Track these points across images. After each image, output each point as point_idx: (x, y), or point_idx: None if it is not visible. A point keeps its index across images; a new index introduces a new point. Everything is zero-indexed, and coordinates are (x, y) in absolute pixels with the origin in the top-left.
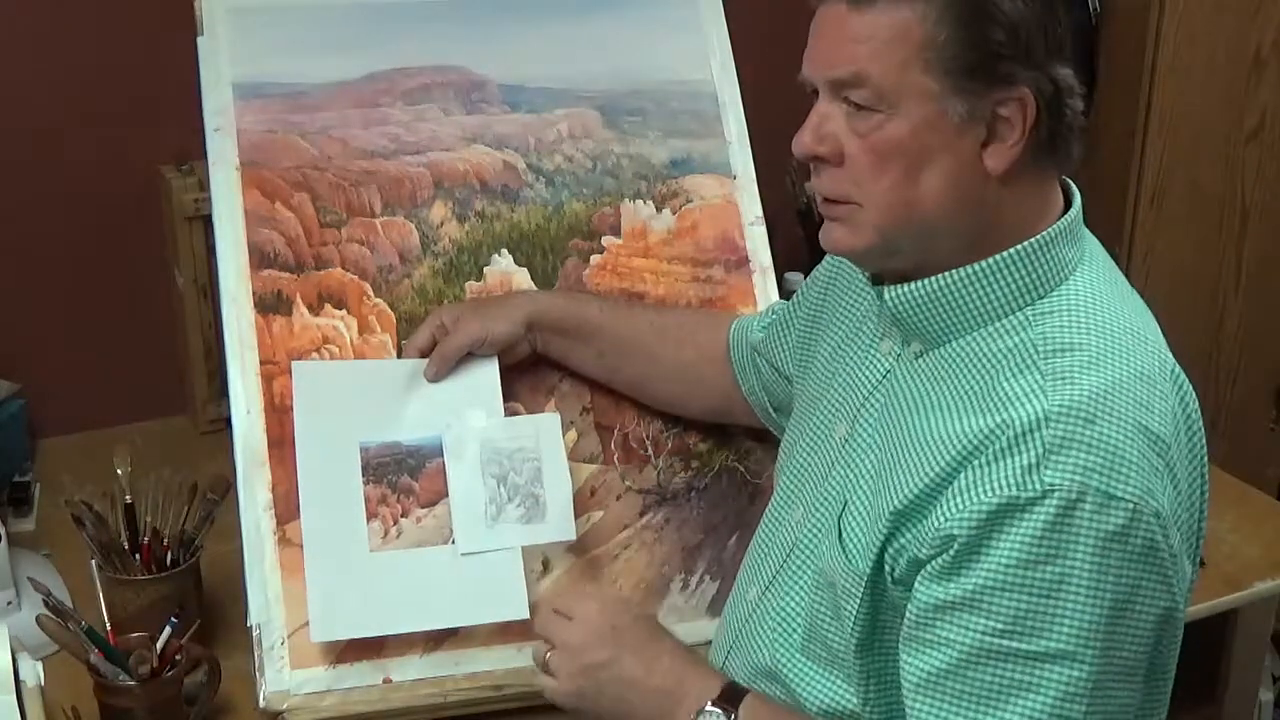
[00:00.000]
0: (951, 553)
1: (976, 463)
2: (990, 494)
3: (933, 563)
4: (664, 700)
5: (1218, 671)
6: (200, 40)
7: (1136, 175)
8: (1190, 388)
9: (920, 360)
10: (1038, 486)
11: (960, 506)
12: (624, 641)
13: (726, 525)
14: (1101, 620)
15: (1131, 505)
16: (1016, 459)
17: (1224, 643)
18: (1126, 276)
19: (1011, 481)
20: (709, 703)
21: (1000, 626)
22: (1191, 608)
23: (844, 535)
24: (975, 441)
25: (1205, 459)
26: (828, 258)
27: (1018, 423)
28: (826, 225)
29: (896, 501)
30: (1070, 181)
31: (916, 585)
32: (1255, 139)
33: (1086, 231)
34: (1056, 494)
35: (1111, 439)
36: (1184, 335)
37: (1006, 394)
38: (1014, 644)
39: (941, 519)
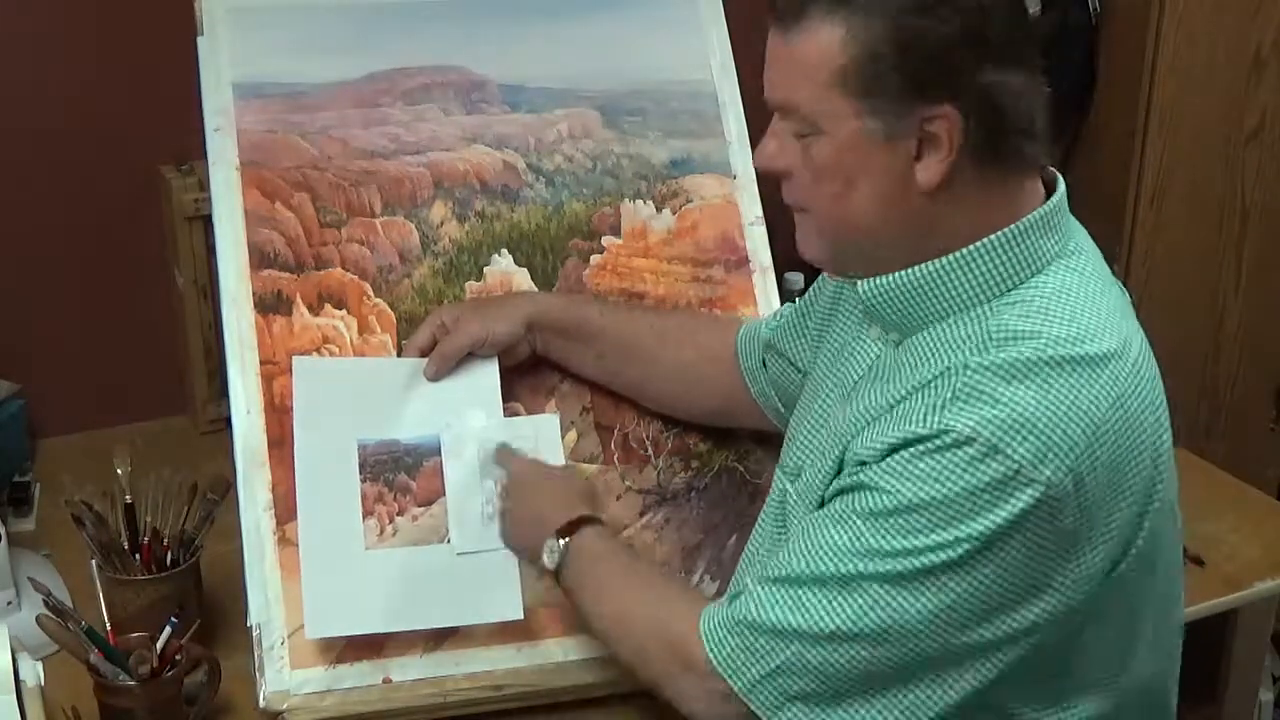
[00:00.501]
0: (854, 470)
1: (899, 408)
2: (897, 429)
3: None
4: (537, 529)
5: (1218, 671)
6: (200, 40)
7: (1136, 175)
8: (1157, 379)
9: (898, 349)
10: (935, 425)
11: (871, 438)
12: (524, 489)
13: (726, 525)
14: (946, 553)
15: (1015, 465)
16: (926, 400)
17: (1224, 643)
18: (1126, 276)
19: (915, 419)
20: (554, 532)
21: (858, 513)
22: (1191, 608)
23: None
24: (904, 394)
25: (1165, 454)
26: None
27: (937, 368)
28: (797, 231)
29: (841, 450)
30: (1056, 173)
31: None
32: (1255, 139)
33: (1075, 224)
34: (948, 435)
35: (1022, 401)
36: (1184, 335)
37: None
38: (861, 538)
39: (859, 447)
